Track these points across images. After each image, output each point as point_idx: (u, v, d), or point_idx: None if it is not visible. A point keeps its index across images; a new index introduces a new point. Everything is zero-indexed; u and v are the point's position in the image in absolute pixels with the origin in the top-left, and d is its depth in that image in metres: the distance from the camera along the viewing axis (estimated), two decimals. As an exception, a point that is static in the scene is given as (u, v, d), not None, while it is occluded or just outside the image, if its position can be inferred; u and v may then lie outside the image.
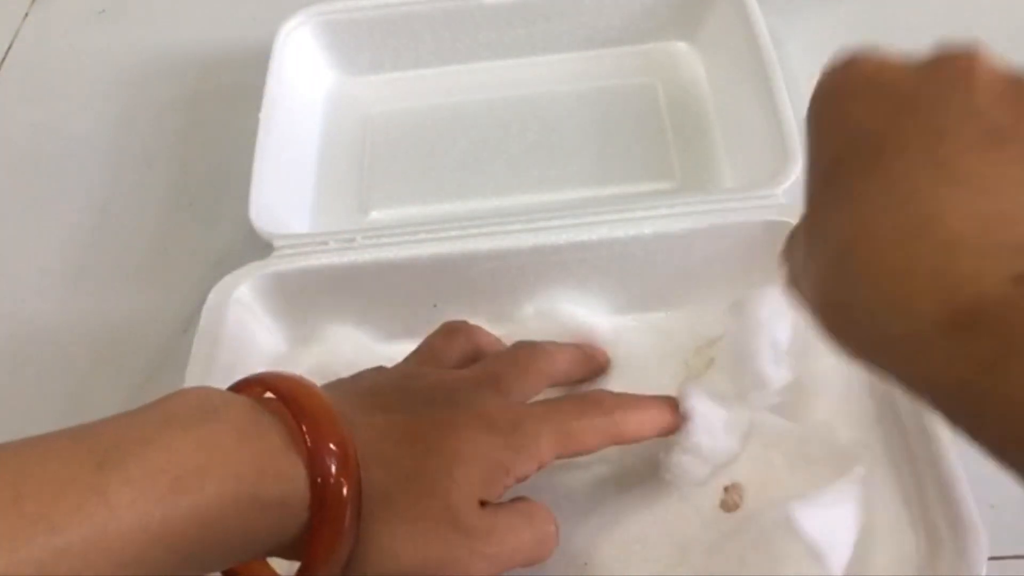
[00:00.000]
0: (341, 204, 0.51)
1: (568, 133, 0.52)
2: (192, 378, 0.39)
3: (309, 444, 0.27)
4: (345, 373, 0.42)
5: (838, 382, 0.38)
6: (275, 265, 0.43)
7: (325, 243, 0.43)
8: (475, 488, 0.30)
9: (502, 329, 0.43)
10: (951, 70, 0.22)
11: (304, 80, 0.54)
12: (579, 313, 0.43)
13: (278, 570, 0.30)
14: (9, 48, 0.64)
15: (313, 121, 0.54)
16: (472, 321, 0.43)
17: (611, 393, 0.35)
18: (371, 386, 0.33)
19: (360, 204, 0.50)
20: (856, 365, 0.21)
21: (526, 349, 0.37)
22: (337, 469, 0.27)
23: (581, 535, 0.37)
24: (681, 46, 0.55)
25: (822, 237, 0.22)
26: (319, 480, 0.26)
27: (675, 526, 0.36)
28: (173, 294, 0.48)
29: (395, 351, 0.43)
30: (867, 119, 0.22)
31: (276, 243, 0.43)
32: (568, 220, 0.42)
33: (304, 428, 0.27)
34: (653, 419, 0.35)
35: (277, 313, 0.43)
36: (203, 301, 0.41)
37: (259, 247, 0.44)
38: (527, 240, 0.42)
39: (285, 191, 0.48)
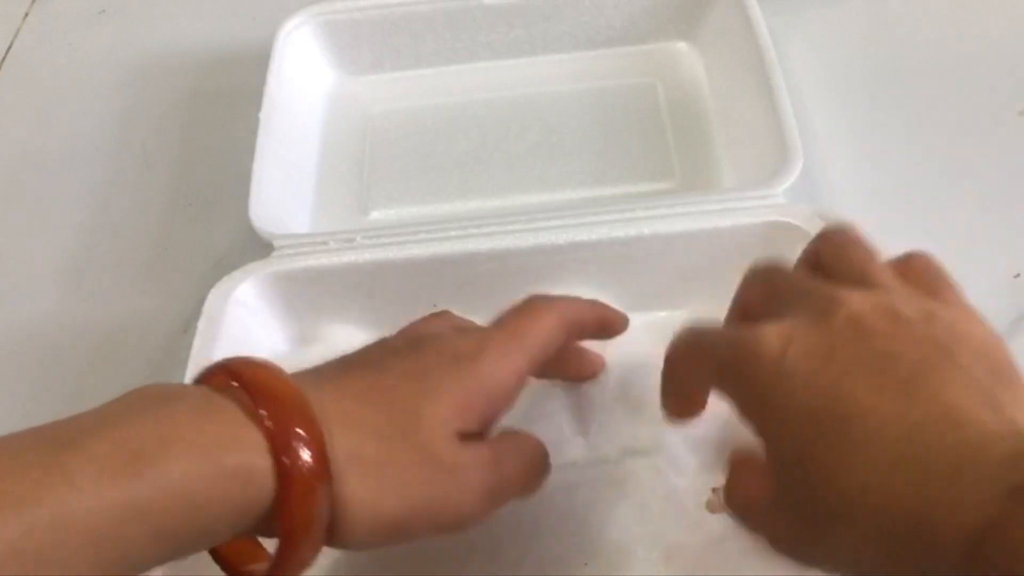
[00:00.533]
0: (341, 204, 0.51)
1: (568, 133, 0.52)
2: (192, 378, 0.39)
3: (271, 425, 0.26)
4: None
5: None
6: (275, 265, 0.43)
7: (325, 243, 0.43)
8: (448, 422, 0.29)
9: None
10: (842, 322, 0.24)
11: (304, 80, 0.54)
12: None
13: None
14: (9, 48, 0.64)
15: (313, 121, 0.54)
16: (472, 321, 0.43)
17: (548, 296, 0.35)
18: (350, 355, 0.33)
19: (360, 204, 0.50)
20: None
21: (539, 298, 0.35)
22: (304, 450, 0.26)
23: (579, 535, 0.37)
24: (681, 46, 0.55)
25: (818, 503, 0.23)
26: (285, 460, 0.26)
27: (664, 528, 0.36)
28: (173, 294, 0.48)
29: (395, 351, 0.43)
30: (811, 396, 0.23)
31: (276, 243, 0.43)
32: (568, 220, 0.42)
33: (265, 412, 0.26)
34: (592, 308, 0.36)
35: (277, 313, 0.43)
36: (203, 301, 0.41)
37: (259, 247, 0.44)
38: (527, 240, 0.42)
39: (285, 191, 0.48)
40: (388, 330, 0.44)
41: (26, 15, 0.66)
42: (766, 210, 0.42)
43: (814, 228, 0.40)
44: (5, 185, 0.56)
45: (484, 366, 0.31)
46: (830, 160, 0.49)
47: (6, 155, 0.57)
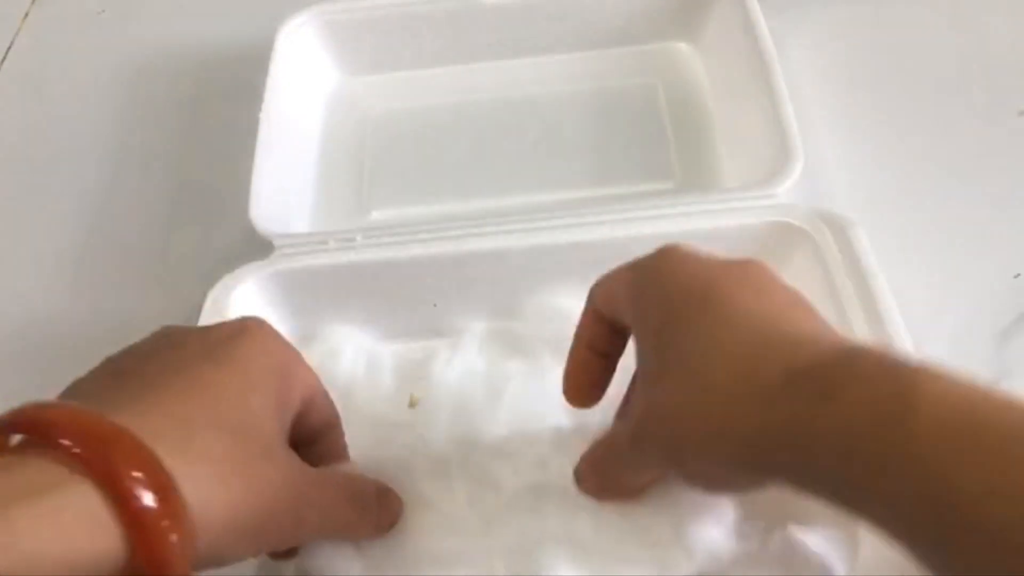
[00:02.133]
0: (342, 204, 0.51)
1: (569, 133, 0.52)
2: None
3: (100, 471, 0.23)
4: (345, 372, 0.42)
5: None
6: (275, 265, 0.43)
7: (325, 242, 0.43)
8: (272, 414, 0.29)
9: (502, 328, 0.43)
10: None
11: (305, 80, 0.54)
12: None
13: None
14: (9, 48, 0.64)
15: (314, 120, 0.54)
16: (472, 321, 0.43)
17: None
18: (117, 362, 0.32)
19: (361, 204, 0.50)
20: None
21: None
22: (145, 494, 0.23)
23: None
24: (682, 46, 0.55)
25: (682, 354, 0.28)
26: (131, 506, 0.23)
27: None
28: (173, 294, 0.48)
29: (395, 350, 0.43)
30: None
31: (276, 242, 0.43)
32: (568, 220, 0.42)
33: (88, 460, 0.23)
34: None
35: (277, 313, 0.43)
36: (203, 301, 0.41)
37: (259, 247, 0.44)
38: (527, 240, 0.42)
39: (286, 191, 0.48)
40: (388, 329, 0.44)
41: (26, 15, 0.66)
42: (766, 210, 0.42)
43: (814, 228, 0.40)
44: (5, 185, 0.56)
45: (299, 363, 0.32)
46: (830, 160, 0.49)
47: (6, 155, 0.57)
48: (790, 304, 0.29)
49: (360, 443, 0.38)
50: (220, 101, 0.58)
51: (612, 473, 0.34)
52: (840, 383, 0.24)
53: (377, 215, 0.50)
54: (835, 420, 0.23)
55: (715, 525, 0.34)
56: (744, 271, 0.29)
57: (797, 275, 0.41)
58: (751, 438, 0.25)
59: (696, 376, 0.27)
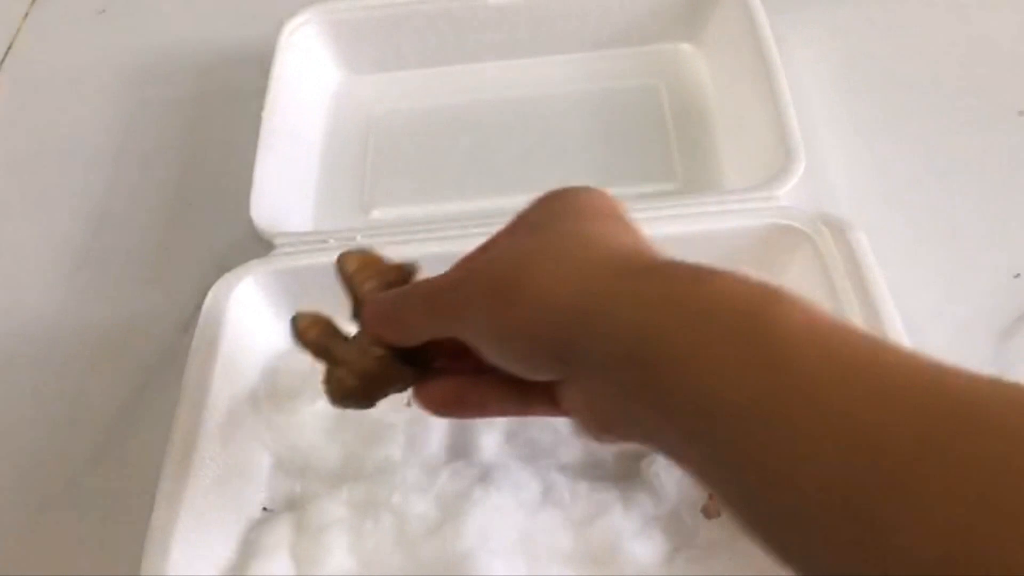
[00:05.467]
0: (343, 203, 0.51)
1: (571, 133, 0.52)
2: (192, 376, 0.39)
3: None
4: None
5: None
6: (276, 263, 0.43)
7: (325, 241, 0.43)
8: None
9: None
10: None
11: (307, 78, 0.54)
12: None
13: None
14: (9, 48, 0.64)
15: (316, 119, 0.54)
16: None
17: None
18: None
19: (362, 203, 0.50)
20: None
21: None
22: None
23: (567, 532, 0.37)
24: (685, 47, 0.55)
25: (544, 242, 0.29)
26: None
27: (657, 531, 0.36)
28: (173, 293, 0.48)
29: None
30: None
31: (277, 241, 0.43)
32: (569, 220, 0.42)
33: None
34: None
35: (277, 311, 0.43)
36: (203, 300, 0.41)
37: (260, 245, 0.44)
38: (528, 240, 0.42)
39: (287, 189, 0.48)
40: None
41: (26, 15, 0.66)
42: (768, 212, 0.42)
43: (815, 230, 0.40)
44: (5, 185, 0.56)
45: None
46: (832, 162, 0.49)
47: (6, 155, 0.57)
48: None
49: (357, 442, 0.38)
50: (221, 100, 0.58)
51: (410, 312, 0.32)
52: (695, 276, 0.24)
53: (378, 214, 0.50)
54: (690, 302, 0.23)
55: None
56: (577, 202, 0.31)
57: (797, 277, 0.41)
58: (580, 304, 0.25)
59: (523, 249, 0.28)
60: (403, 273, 0.36)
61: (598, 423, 0.27)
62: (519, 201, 0.49)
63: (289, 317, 0.43)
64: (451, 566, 0.35)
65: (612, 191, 0.48)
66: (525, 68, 0.55)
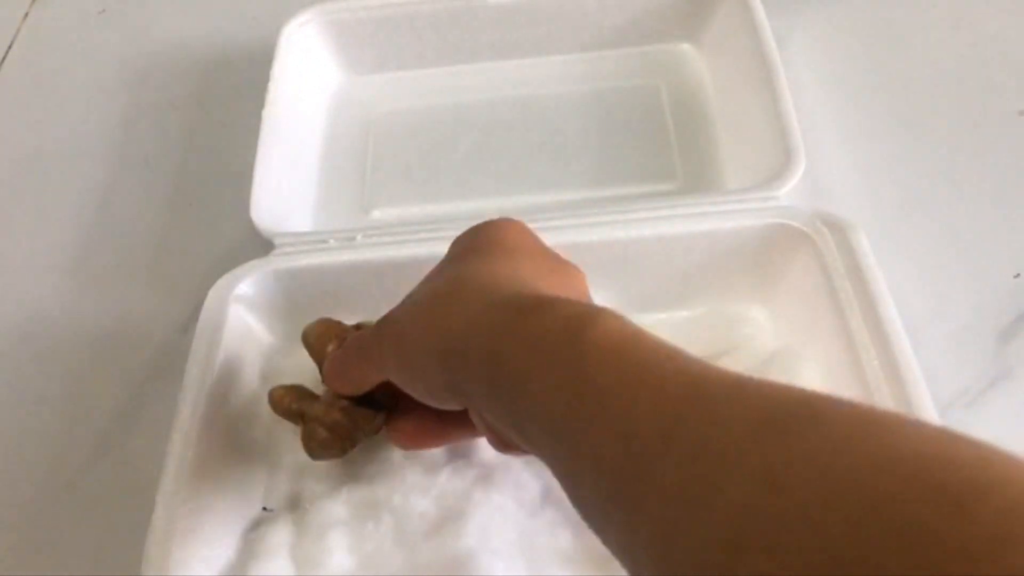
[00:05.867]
0: (343, 203, 0.51)
1: (571, 134, 0.52)
2: (192, 377, 0.39)
3: None
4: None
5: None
6: (275, 263, 0.43)
7: (325, 241, 0.43)
8: None
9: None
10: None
11: (307, 79, 0.54)
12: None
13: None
14: (9, 48, 0.64)
15: (316, 120, 0.54)
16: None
17: None
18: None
19: (362, 203, 0.50)
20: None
21: None
22: None
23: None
24: (685, 48, 0.55)
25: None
26: None
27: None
28: (173, 293, 0.48)
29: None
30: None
31: (277, 241, 0.43)
32: (569, 220, 0.42)
33: None
34: None
35: (277, 311, 0.43)
36: (203, 300, 0.41)
37: (260, 245, 0.44)
38: (528, 240, 0.42)
39: (287, 189, 0.48)
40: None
41: (26, 15, 0.66)
42: (768, 212, 0.41)
43: (815, 230, 0.40)
44: (5, 185, 0.56)
45: None
46: (832, 162, 0.49)
47: (6, 155, 0.57)
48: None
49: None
50: (221, 100, 0.58)
51: (351, 364, 0.36)
52: (534, 307, 0.28)
53: (378, 214, 0.50)
54: (526, 332, 0.27)
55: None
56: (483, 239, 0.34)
57: (797, 277, 0.41)
58: (451, 340, 0.29)
59: (423, 292, 0.32)
60: (361, 330, 0.40)
61: (496, 438, 0.32)
62: (519, 201, 0.49)
63: (289, 317, 0.44)
64: (451, 566, 0.35)
65: (612, 191, 0.49)
66: (525, 68, 0.55)
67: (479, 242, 0.34)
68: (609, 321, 0.26)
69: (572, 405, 0.24)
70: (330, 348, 0.39)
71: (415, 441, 0.37)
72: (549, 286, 0.30)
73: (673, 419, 0.22)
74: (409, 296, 0.33)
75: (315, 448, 0.37)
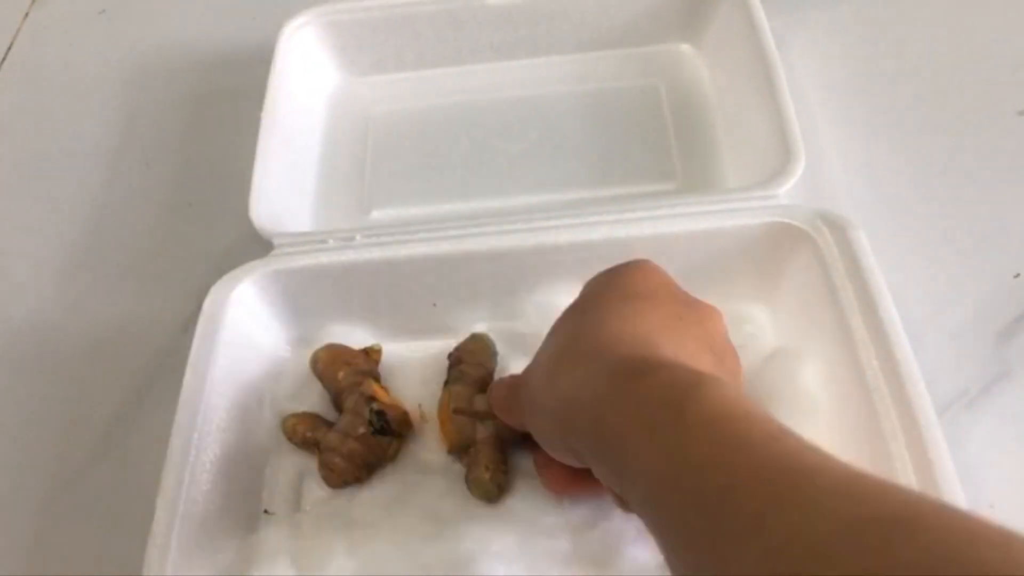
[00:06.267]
0: (342, 203, 0.50)
1: (570, 134, 0.52)
2: (191, 377, 0.39)
3: None
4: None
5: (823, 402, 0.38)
6: (275, 263, 0.42)
7: (324, 242, 0.43)
8: None
9: (502, 328, 0.43)
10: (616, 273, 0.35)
11: (306, 79, 0.54)
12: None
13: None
14: (9, 48, 0.64)
15: (315, 120, 0.54)
16: (472, 320, 0.43)
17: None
18: None
19: (361, 203, 0.50)
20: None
21: None
22: None
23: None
24: (685, 48, 0.55)
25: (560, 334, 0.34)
26: None
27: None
28: (173, 294, 0.48)
29: (394, 349, 0.43)
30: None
31: (276, 241, 0.43)
32: (569, 220, 0.42)
33: None
34: None
35: (276, 311, 0.43)
36: (203, 300, 0.41)
37: (259, 246, 0.44)
38: (527, 240, 0.42)
39: (286, 190, 0.48)
40: (388, 329, 0.44)
41: (26, 15, 0.66)
42: (767, 211, 0.41)
43: (814, 229, 0.40)
44: (5, 185, 0.56)
45: None
46: (832, 161, 0.49)
47: (6, 155, 0.57)
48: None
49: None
50: (221, 100, 0.58)
51: (511, 402, 0.36)
52: (639, 372, 0.28)
53: (377, 215, 0.50)
54: (628, 399, 0.28)
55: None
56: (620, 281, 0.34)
57: (797, 276, 0.41)
58: (563, 402, 0.30)
59: (549, 349, 0.33)
60: (370, 355, 0.41)
61: (616, 496, 0.31)
62: (518, 201, 0.49)
63: (288, 317, 0.44)
64: (452, 570, 0.35)
65: (612, 191, 0.49)
66: (525, 68, 0.55)
67: (607, 289, 0.34)
68: (712, 391, 0.26)
69: (668, 477, 0.25)
70: (340, 375, 0.40)
71: (565, 487, 0.37)
72: (671, 339, 0.31)
73: (766, 504, 0.22)
74: (544, 342, 0.34)
75: (334, 479, 0.38)
